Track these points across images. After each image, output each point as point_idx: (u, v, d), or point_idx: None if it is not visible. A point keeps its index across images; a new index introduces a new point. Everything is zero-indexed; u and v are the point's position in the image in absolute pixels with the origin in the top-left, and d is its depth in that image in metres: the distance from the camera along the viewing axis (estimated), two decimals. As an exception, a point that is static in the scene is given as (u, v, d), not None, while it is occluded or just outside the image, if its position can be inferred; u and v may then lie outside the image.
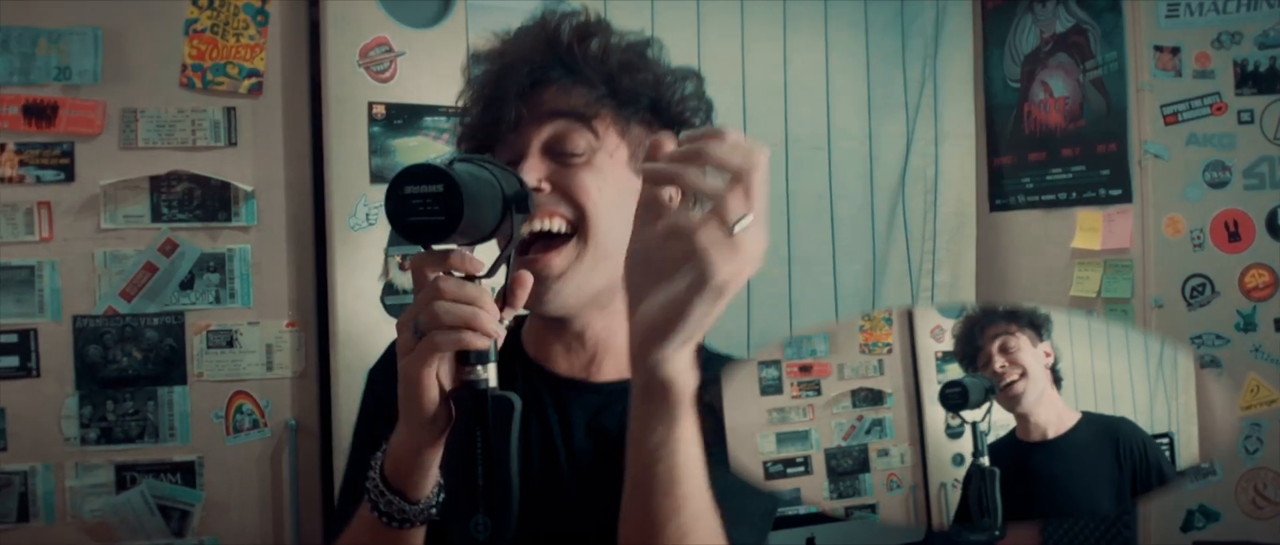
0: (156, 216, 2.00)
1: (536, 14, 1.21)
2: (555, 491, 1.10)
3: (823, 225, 2.47)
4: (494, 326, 0.86)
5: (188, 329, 2.02)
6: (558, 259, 1.09)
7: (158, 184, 2.00)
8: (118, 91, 1.99)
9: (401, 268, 2.07)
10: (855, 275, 2.50)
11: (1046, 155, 2.51)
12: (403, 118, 2.08)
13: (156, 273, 2.00)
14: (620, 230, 1.12)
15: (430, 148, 2.10)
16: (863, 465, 0.92)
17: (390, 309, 2.07)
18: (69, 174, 1.97)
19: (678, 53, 2.30)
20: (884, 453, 0.92)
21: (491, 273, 0.94)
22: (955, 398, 0.89)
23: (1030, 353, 0.88)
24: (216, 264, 2.03)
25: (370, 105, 2.06)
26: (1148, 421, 0.88)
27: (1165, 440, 0.88)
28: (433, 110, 2.10)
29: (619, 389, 1.03)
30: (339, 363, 2.04)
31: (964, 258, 2.59)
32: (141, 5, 2.00)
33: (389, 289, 2.07)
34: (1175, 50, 2.23)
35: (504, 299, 0.95)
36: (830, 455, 0.92)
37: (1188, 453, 0.87)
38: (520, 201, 0.96)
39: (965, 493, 0.89)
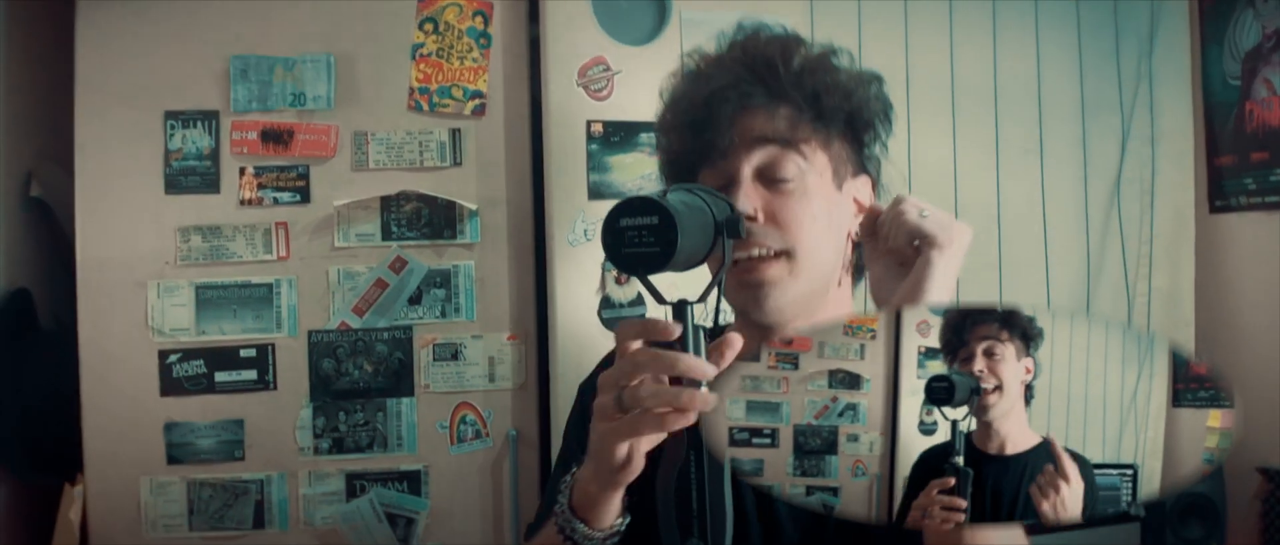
0: (386, 235, 2.07)
1: (736, 35, 1.20)
2: (767, 511, 1.10)
3: (1035, 230, 2.40)
4: (701, 400, 0.85)
5: (415, 343, 2.08)
6: (770, 270, 1.09)
7: (387, 204, 2.07)
8: (349, 116, 2.07)
9: (618, 282, 2.10)
10: (1068, 281, 2.42)
11: (1270, 155, 2.38)
12: (619, 135, 2.11)
13: (386, 289, 2.07)
14: (828, 245, 1.13)
15: (646, 164, 2.11)
16: (831, 447, 0.90)
17: (607, 322, 2.10)
18: (305, 196, 2.06)
19: (884, 59, 2.29)
20: (854, 438, 0.90)
21: (703, 298, 0.95)
22: (941, 393, 0.87)
23: (1012, 365, 0.86)
24: (442, 280, 2.09)
25: (588, 123, 2.09)
26: (1113, 452, 0.85)
27: (1127, 472, 0.85)
28: (649, 127, 2.12)
29: None
30: (558, 374, 2.08)
31: (1182, 262, 2.48)
32: (370, 32, 2.07)
33: (606, 303, 2.10)
34: None
35: (715, 323, 0.96)
36: (799, 432, 0.90)
37: (1148, 488, 0.84)
38: (732, 227, 0.96)
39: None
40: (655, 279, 0.90)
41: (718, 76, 1.13)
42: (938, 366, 0.88)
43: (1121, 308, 2.45)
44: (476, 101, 2.09)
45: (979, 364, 0.85)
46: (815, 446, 0.91)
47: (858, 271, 1.20)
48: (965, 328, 0.87)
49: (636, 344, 0.89)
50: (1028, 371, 0.86)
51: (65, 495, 2.02)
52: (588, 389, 1.33)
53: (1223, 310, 2.48)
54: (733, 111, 1.09)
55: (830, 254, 1.12)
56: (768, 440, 0.92)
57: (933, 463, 0.88)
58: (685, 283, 0.90)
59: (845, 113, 1.12)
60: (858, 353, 0.91)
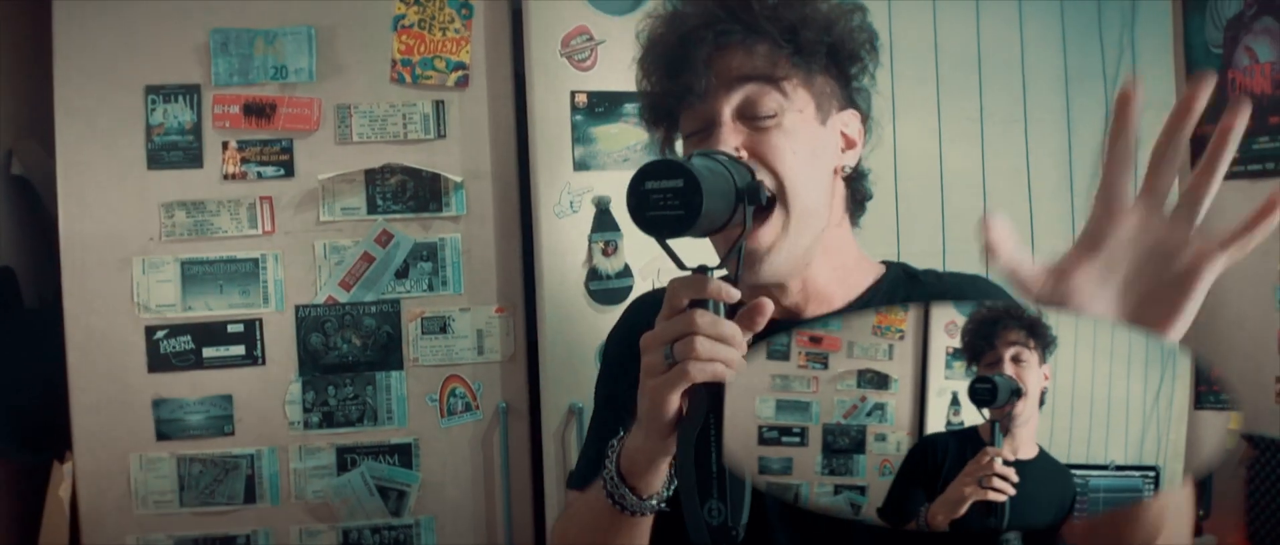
0: (372, 208, 2.07)
1: None
2: None
3: (1020, 201, 2.41)
4: (743, 363, 0.88)
5: (403, 316, 2.08)
6: (766, 233, 1.08)
7: (372, 177, 2.06)
8: (331, 89, 2.06)
9: (604, 254, 2.10)
10: (1054, 251, 2.42)
11: (1253, 123, 2.39)
12: (604, 105, 2.10)
13: (373, 263, 2.07)
14: (816, 183, 1.12)
15: (632, 134, 2.11)
16: (859, 446, 0.89)
17: (594, 294, 2.10)
18: (288, 170, 2.05)
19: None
20: (881, 437, 0.89)
21: (723, 263, 0.95)
22: (985, 393, 0.86)
23: (1034, 372, 0.85)
24: (429, 253, 2.09)
25: (572, 94, 2.09)
26: (1135, 454, 0.85)
27: (1150, 474, 0.85)
28: (633, 97, 2.11)
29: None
30: (546, 346, 2.08)
31: (1167, 231, 2.50)
32: (351, 4, 2.06)
33: (593, 274, 2.10)
34: None
35: (735, 282, 0.96)
36: (827, 431, 0.90)
37: (1170, 489, 0.84)
38: (752, 193, 0.97)
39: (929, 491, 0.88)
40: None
41: (692, 16, 1.11)
42: (968, 368, 0.88)
43: (1106, 275, 2.47)
44: (459, 73, 2.09)
45: (1007, 370, 0.85)
46: (843, 445, 0.91)
47: (857, 208, 1.19)
48: (994, 333, 0.87)
49: (683, 302, 0.90)
50: (1046, 378, 0.86)
51: (55, 473, 2.02)
52: (611, 338, 1.33)
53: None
54: (709, 51, 1.08)
55: (818, 191, 1.11)
56: (797, 439, 0.92)
57: (918, 455, 0.89)
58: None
59: (826, 45, 1.11)
60: (886, 353, 0.91)
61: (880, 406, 0.90)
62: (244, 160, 2.04)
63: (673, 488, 1.01)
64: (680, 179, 0.87)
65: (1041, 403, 0.86)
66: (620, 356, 1.25)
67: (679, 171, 0.87)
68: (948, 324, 0.89)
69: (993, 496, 0.85)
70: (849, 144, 1.15)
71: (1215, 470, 2.39)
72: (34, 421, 2.04)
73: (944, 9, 2.38)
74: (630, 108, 2.11)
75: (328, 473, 2.07)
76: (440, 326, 2.09)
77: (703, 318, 0.88)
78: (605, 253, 2.10)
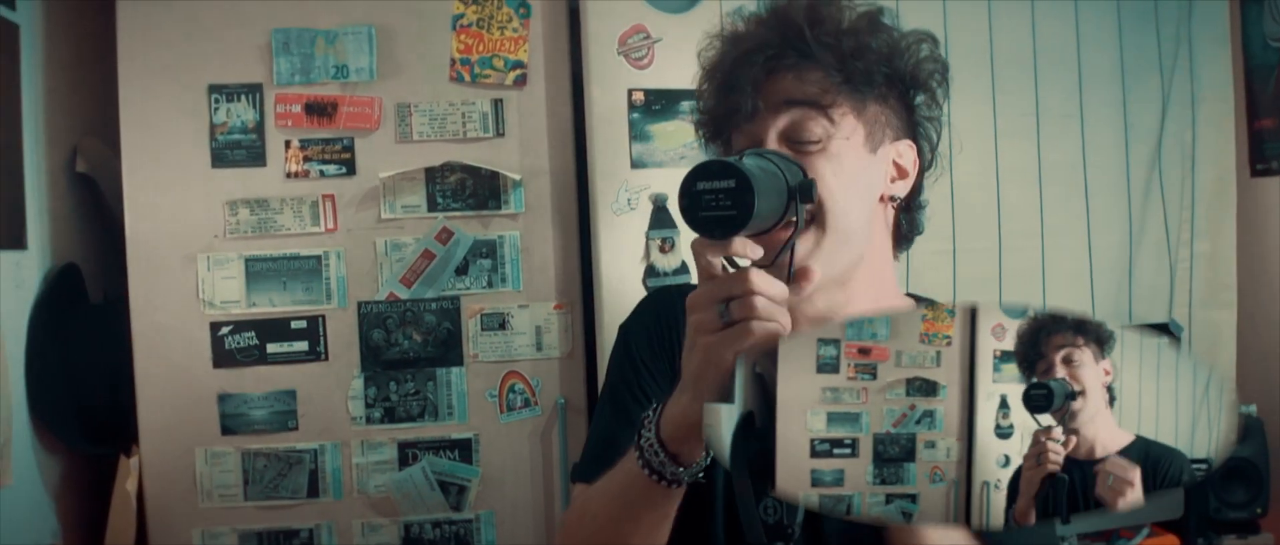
0: (432, 206, 2.09)
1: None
2: None
3: (1076, 195, 2.39)
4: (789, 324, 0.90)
5: (463, 313, 2.11)
6: (799, 248, 1.09)
7: (432, 175, 2.08)
8: (392, 88, 2.08)
9: (661, 251, 2.11)
10: (1110, 246, 2.41)
11: (1306, 116, 2.38)
12: (661, 103, 2.11)
13: (434, 260, 2.09)
14: (856, 209, 1.13)
15: (688, 132, 2.11)
16: (909, 454, 0.90)
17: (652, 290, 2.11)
18: (350, 168, 2.07)
19: (923, 22, 2.26)
20: (931, 444, 0.90)
21: (774, 261, 0.96)
22: (1040, 399, 0.87)
23: (1092, 369, 0.86)
24: (488, 250, 2.11)
25: (629, 92, 2.10)
26: (1189, 448, 0.86)
27: (1203, 467, 0.87)
28: (690, 94, 2.12)
29: None
30: (604, 343, 2.10)
31: (1224, 226, 2.48)
32: (410, 4, 2.08)
33: (651, 271, 2.11)
34: None
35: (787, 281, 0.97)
36: (878, 440, 0.90)
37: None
38: (805, 191, 0.98)
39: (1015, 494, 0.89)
40: None
41: (749, 39, 1.13)
42: (1020, 375, 0.88)
43: (1163, 272, 2.45)
44: (518, 72, 2.10)
45: (1060, 372, 0.87)
46: (894, 454, 0.91)
47: (901, 238, 1.20)
48: (1042, 337, 0.88)
49: (718, 261, 0.91)
50: (1107, 373, 0.87)
51: (121, 467, 2.06)
52: (630, 328, 1.34)
53: (1264, 274, 2.48)
54: (760, 74, 1.10)
55: (859, 217, 1.12)
56: (848, 450, 0.92)
57: None
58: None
59: (884, 75, 1.12)
60: (934, 360, 0.92)
61: (929, 413, 0.91)
62: (306, 158, 2.06)
63: (709, 459, 1.02)
64: (732, 179, 0.88)
65: (1111, 399, 0.86)
66: (643, 348, 1.25)
67: (731, 172, 0.89)
68: (994, 327, 0.90)
69: (1049, 467, 0.86)
70: (900, 173, 1.16)
71: (1274, 468, 2.37)
72: (101, 416, 2.08)
73: (999, 5, 2.37)
74: (687, 105, 2.12)
75: (389, 467, 2.10)
76: (499, 323, 2.11)
77: (758, 277, 0.89)
78: (662, 250, 2.11)
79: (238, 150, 2.05)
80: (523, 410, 2.12)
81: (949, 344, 0.90)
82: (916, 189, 1.19)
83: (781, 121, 1.09)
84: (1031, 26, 2.39)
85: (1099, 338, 0.87)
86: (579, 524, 1.13)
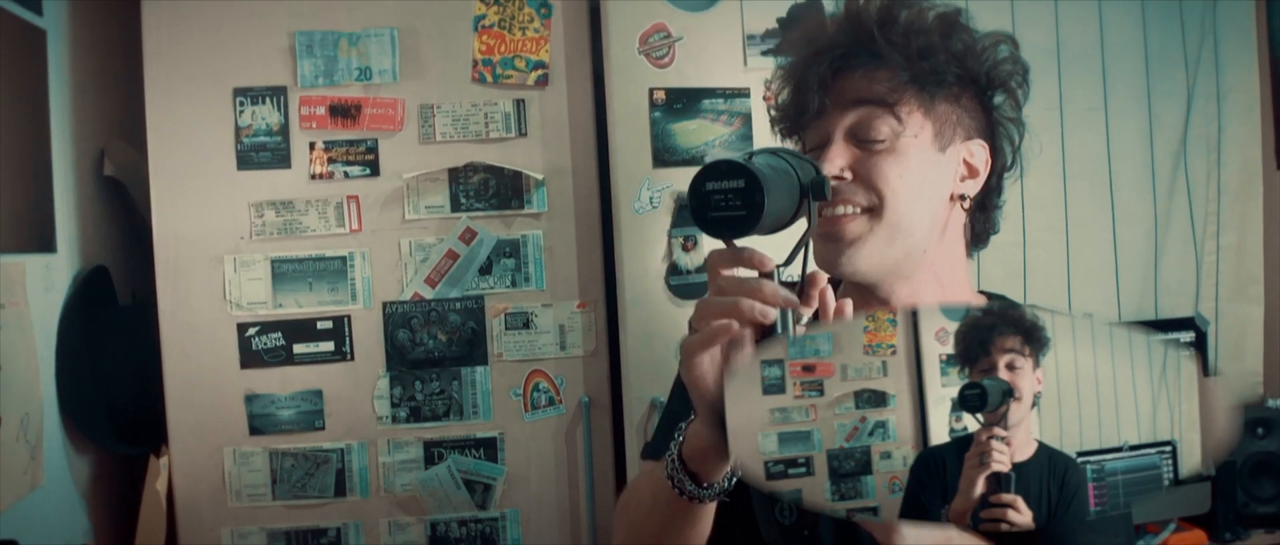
0: (455, 206, 2.10)
1: None
2: None
3: (1101, 189, 2.38)
4: (762, 311, 0.87)
5: (487, 312, 2.12)
6: (852, 225, 1.09)
7: (455, 175, 2.09)
8: (415, 89, 2.09)
9: (684, 249, 2.12)
10: (1136, 239, 2.40)
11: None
12: (682, 101, 2.11)
13: (458, 260, 2.10)
14: (921, 206, 1.13)
15: (709, 130, 2.12)
16: (865, 467, 0.89)
17: (675, 289, 2.12)
18: (374, 169, 2.09)
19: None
20: (886, 455, 0.88)
21: (789, 262, 0.95)
22: (974, 400, 0.86)
23: (1028, 378, 0.86)
24: (512, 250, 2.12)
25: (650, 91, 2.10)
26: (1148, 431, 0.85)
27: (1166, 449, 0.85)
28: (710, 93, 2.13)
29: None
30: (627, 341, 2.11)
31: (1250, 218, 2.46)
32: (432, 5, 2.09)
33: (673, 270, 2.12)
34: None
35: (803, 289, 0.97)
36: (832, 456, 0.89)
37: (1190, 464, 0.85)
38: (817, 189, 0.97)
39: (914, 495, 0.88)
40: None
41: (821, 38, 1.14)
42: (962, 374, 0.88)
43: (1189, 266, 2.44)
44: (539, 72, 2.11)
45: (1002, 376, 0.86)
46: (850, 469, 0.90)
47: (975, 238, 1.20)
48: (990, 339, 0.88)
49: (729, 272, 0.91)
50: (1038, 382, 0.87)
51: (151, 466, 2.08)
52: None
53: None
54: (829, 73, 1.11)
55: (924, 214, 1.12)
56: (803, 469, 0.91)
57: (922, 468, 0.89)
58: (771, 245, 0.91)
59: (955, 75, 1.12)
60: (881, 370, 0.91)
61: (881, 424, 0.90)
62: (331, 160, 2.08)
63: (735, 480, 1.02)
64: (741, 179, 0.87)
65: (1034, 405, 0.86)
66: None
67: (740, 172, 0.87)
68: (938, 331, 0.89)
69: (995, 466, 0.86)
70: (971, 173, 1.15)
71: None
72: (131, 416, 2.10)
73: (1022, 1, 2.36)
74: (708, 103, 2.12)
75: (415, 466, 2.11)
76: (523, 322, 2.12)
77: (721, 280, 0.89)
78: (685, 248, 2.11)
79: (263, 152, 2.07)
80: (547, 409, 2.13)
81: (895, 354, 0.90)
82: (992, 188, 1.18)
83: (849, 119, 1.10)
84: (1055, 21, 2.38)
85: (1039, 346, 0.87)
86: (626, 510, 1.15)
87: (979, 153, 1.15)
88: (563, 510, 2.15)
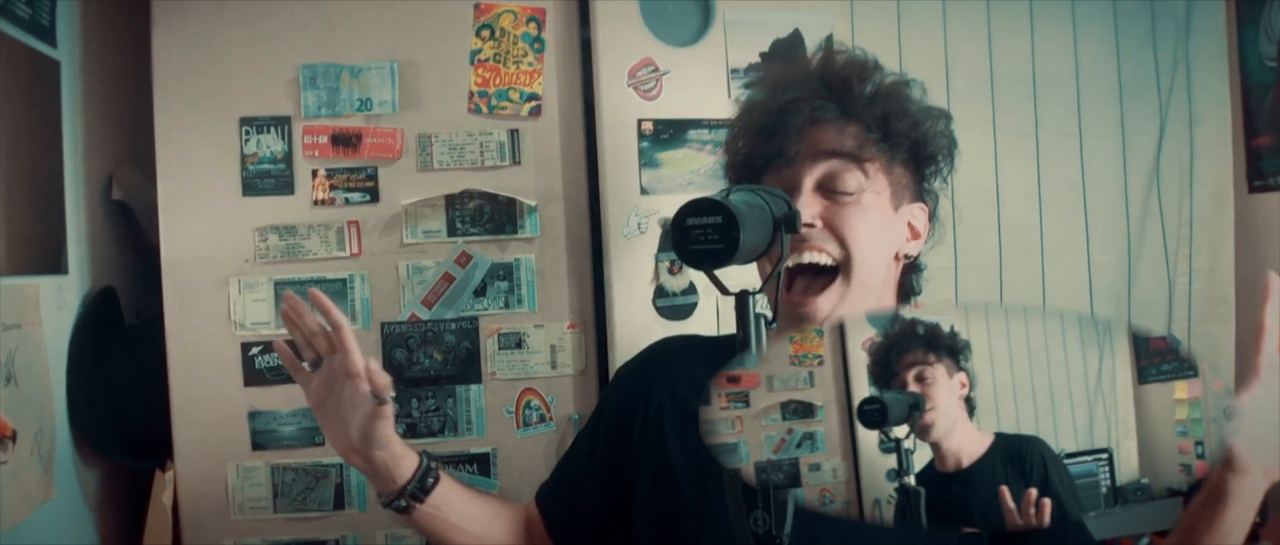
0: (452, 231, 2.17)
1: (817, 51, 1.28)
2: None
3: (1075, 213, 2.46)
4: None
5: (481, 332, 2.19)
6: (824, 302, 1.16)
7: (452, 202, 2.17)
8: (413, 119, 2.17)
9: (671, 273, 2.20)
10: (1110, 262, 2.48)
11: (1305, 135, 2.43)
12: (669, 132, 2.20)
13: (453, 282, 2.18)
14: (879, 263, 1.21)
15: (695, 159, 2.20)
16: (794, 480, 0.88)
17: (661, 310, 2.20)
18: (374, 195, 2.17)
19: (923, 47, 2.34)
20: (816, 467, 0.88)
21: (763, 289, 1.03)
22: (874, 414, 0.86)
23: (945, 385, 0.86)
24: (505, 273, 2.19)
25: (639, 122, 2.18)
26: (1085, 439, 0.85)
27: (1102, 456, 0.86)
28: (696, 124, 2.21)
29: None
30: (615, 361, 2.18)
31: (1223, 242, 2.53)
32: (431, 40, 2.17)
33: (660, 292, 2.20)
34: None
35: (775, 314, 1.04)
36: (760, 469, 0.89)
37: (1126, 469, 0.85)
38: (789, 222, 1.05)
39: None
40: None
41: (793, 88, 1.20)
42: (868, 390, 0.86)
43: (1162, 288, 2.51)
44: (533, 103, 2.19)
45: (912, 389, 0.87)
46: (779, 482, 0.90)
47: (905, 294, 1.28)
48: (893, 357, 0.89)
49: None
50: (963, 386, 0.88)
51: (157, 481, 2.15)
52: (622, 374, 1.44)
53: (1262, 288, 2.52)
54: (804, 123, 1.17)
55: (879, 269, 1.20)
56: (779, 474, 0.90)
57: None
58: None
59: (911, 141, 1.20)
60: (806, 381, 0.92)
61: (809, 435, 0.91)
62: (333, 187, 2.16)
63: (422, 468, 1.32)
64: (719, 215, 0.95)
65: (971, 411, 0.88)
66: (621, 394, 1.35)
67: (717, 208, 0.96)
68: (865, 342, 0.92)
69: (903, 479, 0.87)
70: (914, 234, 1.23)
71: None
72: (138, 431, 2.16)
73: (998, 24, 2.44)
74: (693, 134, 2.20)
75: (412, 481, 2.17)
76: (516, 342, 2.20)
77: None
78: (672, 272, 2.19)
79: (268, 179, 2.15)
80: (539, 425, 2.21)
81: (821, 364, 0.92)
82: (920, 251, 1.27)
83: (820, 169, 1.17)
84: (1031, 48, 2.46)
85: (953, 350, 0.88)
86: None
87: (920, 216, 1.24)
88: (554, 524, 2.22)
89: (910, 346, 0.88)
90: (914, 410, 0.87)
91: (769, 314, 0.99)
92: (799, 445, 0.91)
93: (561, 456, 1.49)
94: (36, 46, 1.91)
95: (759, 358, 0.96)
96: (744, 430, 0.91)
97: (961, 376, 0.86)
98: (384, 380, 1.24)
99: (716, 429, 0.96)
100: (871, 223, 1.18)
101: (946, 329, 0.86)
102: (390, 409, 1.40)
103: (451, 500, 1.37)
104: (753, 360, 0.95)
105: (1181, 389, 0.86)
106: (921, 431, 0.86)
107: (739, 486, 1.00)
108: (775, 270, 1.06)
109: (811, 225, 1.16)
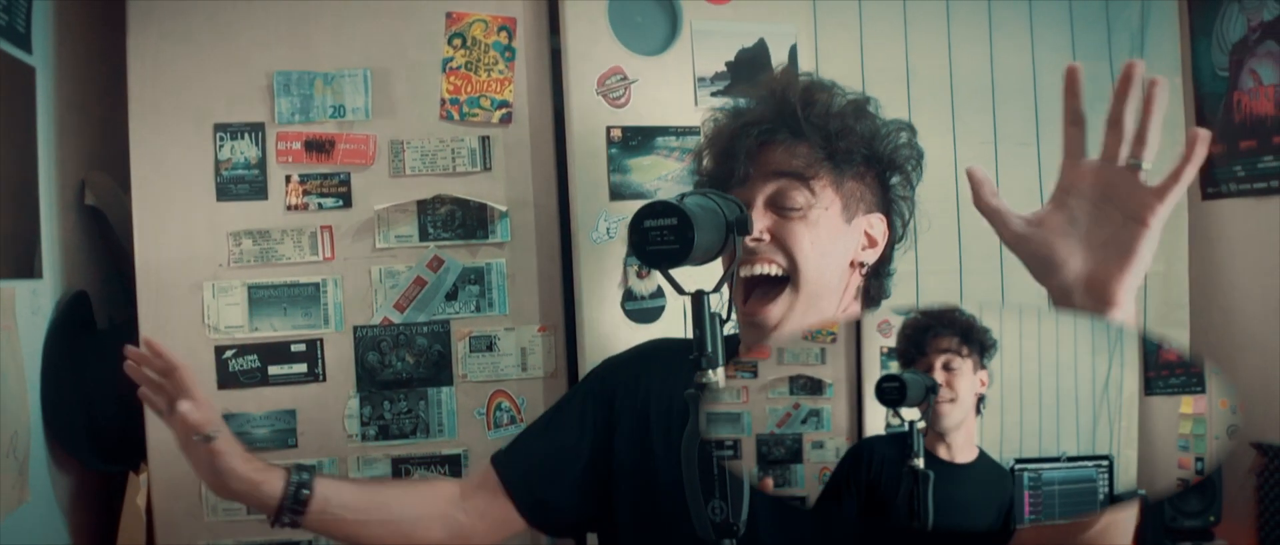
0: (424, 236, 2.21)
1: (771, 76, 1.35)
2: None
3: (1033, 221, 2.51)
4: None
5: (453, 336, 2.23)
6: (775, 309, 1.24)
7: (424, 207, 2.20)
8: (386, 126, 2.20)
9: (639, 277, 2.24)
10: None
11: (1257, 143, 2.49)
12: (637, 139, 2.24)
13: (425, 286, 2.21)
14: (830, 272, 1.28)
15: (663, 166, 2.25)
16: (796, 456, 0.89)
17: (630, 313, 2.24)
18: (347, 201, 2.20)
19: (885, 57, 2.40)
20: (819, 445, 0.89)
21: (717, 289, 1.09)
22: (893, 393, 0.87)
23: (968, 379, 0.87)
24: (476, 277, 2.23)
25: (608, 129, 2.23)
26: (1088, 445, 0.86)
27: (1103, 463, 0.86)
28: (664, 131, 2.26)
29: None
30: (585, 363, 2.21)
31: (1177, 247, 2.60)
32: (403, 48, 2.20)
33: (628, 295, 2.24)
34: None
35: (728, 313, 1.10)
36: (761, 441, 0.90)
37: (1125, 479, 0.86)
38: (741, 225, 1.12)
39: (897, 493, 0.87)
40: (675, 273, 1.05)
41: (748, 114, 1.29)
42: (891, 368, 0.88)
43: (1117, 291, 2.56)
44: (504, 111, 2.23)
45: (937, 377, 0.90)
46: (780, 456, 0.91)
47: (869, 300, 1.35)
48: (925, 340, 0.92)
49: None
50: (982, 383, 0.91)
51: (131, 483, 2.16)
52: (611, 366, 1.49)
53: (1216, 293, 2.59)
54: (754, 146, 1.25)
55: (832, 278, 1.27)
56: (729, 452, 0.91)
57: (851, 462, 0.94)
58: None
59: (863, 156, 1.27)
60: (818, 357, 0.95)
61: (815, 413, 0.93)
62: (306, 192, 2.19)
63: (292, 481, 1.41)
64: (674, 217, 1.02)
65: (979, 409, 0.90)
66: (608, 386, 1.40)
67: (673, 211, 1.02)
68: (881, 324, 0.95)
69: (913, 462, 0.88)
70: (871, 243, 1.31)
71: (1226, 477, 2.48)
72: (112, 434, 2.18)
73: (958, 34, 2.49)
74: (661, 141, 2.25)
75: (383, 482, 2.20)
76: (487, 345, 2.23)
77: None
78: (640, 276, 2.24)
79: (241, 185, 2.17)
80: (509, 427, 2.24)
81: (834, 342, 0.95)
82: (886, 257, 1.34)
83: (769, 188, 1.25)
84: (990, 60, 2.52)
85: (983, 346, 0.92)
86: None
87: (877, 225, 1.31)
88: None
89: (945, 332, 0.90)
90: (930, 393, 0.90)
91: (723, 313, 1.04)
92: (804, 421, 0.92)
93: (527, 428, 1.52)
94: (12, 52, 1.93)
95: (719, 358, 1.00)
96: (749, 400, 0.91)
97: (983, 374, 0.89)
98: (197, 417, 1.29)
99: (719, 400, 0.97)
100: (819, 235, 1.26)
101: (980, 325, 0.88)
102: (224, 444, 1.44)
103: (340, 501, 1.43)
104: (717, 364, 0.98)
105: (1187, 403, 0.88)
106: (936, 418, 0.87)
107: (697, 476, 1.04)
108: (728, 272, 1.12)
109: (760, 239, 1.23)
